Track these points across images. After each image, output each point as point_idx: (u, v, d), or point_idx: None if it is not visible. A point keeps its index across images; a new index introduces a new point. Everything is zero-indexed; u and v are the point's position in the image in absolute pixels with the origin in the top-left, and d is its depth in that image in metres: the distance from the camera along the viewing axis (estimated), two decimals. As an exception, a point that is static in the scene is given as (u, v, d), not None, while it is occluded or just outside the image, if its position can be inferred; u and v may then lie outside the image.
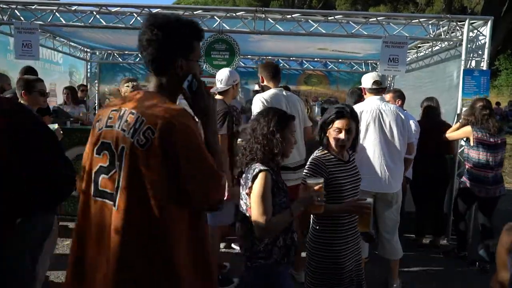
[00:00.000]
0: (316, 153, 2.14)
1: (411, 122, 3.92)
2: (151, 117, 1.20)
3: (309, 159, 2.13)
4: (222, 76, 3.19)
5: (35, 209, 1.85)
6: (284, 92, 3.26)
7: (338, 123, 2.07)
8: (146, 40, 1.27)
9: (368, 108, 3.03)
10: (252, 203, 1.78)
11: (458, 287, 3.40)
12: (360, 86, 3.39)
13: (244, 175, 1.86)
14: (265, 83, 3.30)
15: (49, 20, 5.17)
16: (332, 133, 2.11)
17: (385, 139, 2.98)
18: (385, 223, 3.12)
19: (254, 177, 1.76)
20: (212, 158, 1.26)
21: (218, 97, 3.15)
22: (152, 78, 1.35)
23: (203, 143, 1.28)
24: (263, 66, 3.41)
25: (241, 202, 1.89)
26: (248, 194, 1.80)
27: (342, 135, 2.07)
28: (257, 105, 3.07)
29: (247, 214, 1.82)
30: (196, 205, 1.27)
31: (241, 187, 1.87)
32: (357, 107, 3.05)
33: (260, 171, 1.76)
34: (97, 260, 1.25)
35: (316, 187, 1.82)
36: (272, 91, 3.20)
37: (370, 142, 2.97)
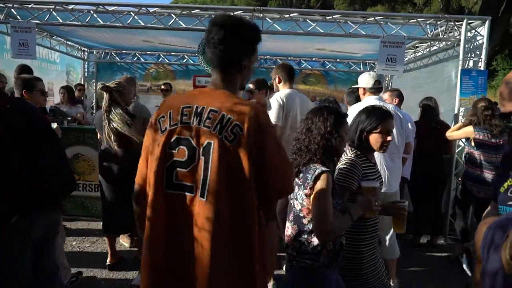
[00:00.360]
0: (349, 154, 2.12)
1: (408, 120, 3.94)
2: (237, 114, 1.31)
3: (342, 159, 2.08)
4: None
5: (35, 208, 1.86)
6: (299, 93, 3.45)
7: (386, 125, 2.07)
8: (218, 39, 1.36)
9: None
10: (314, 205, 1.74)
11: (455, 287, 3.40)
12: (357, 86, 3.37)
13: (302, 175, 1.83)
14: (281, 83, 3.44)
15: (46, 19, 5.14)
16: (377, 136, 2.08)
17: None
18: (383, 223, 3.11)
19: (316, 178, 1.74)
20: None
21: None
22: (216, 74, 1.44)
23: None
24: (281, 67, 3.54)
25: (295, 201, 1.85)
26: (308, 195, 1.77)
27: (390, 137, 2.09)
28: (274, 104, 3.24)
29: (301, 215, 1.80)
30: (274, 194, 1.41)
31: (297, 187, 1.84)
32: (357, 107, 3.04)
33: (322, 172, 1.74)
34: (180, 249, 1.34)
35: (372, 191, 1.86)
36: (287, 91, 3.36)
37: None
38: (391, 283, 3.18)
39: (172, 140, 1.36)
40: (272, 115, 3.19)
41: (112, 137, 3.08)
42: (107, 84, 3.12)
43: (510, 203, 1.25)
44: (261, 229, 1.40)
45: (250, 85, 3.53)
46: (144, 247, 1.41)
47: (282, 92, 3.35)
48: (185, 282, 1.33)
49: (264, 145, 1.32)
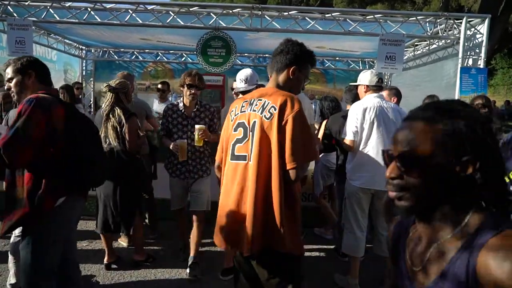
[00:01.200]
0: None
1: None
2: (274, 98, 1.80)
3: None
4: (245, 75, 3.27)
5: (76, 193, 2.15)
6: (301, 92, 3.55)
7: None
8: (280, 49, 1.94)
9: (371, 106, 3.00)
10: None
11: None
12: (355, 84, 3.34)
13: None
14: None
15: (42, 17, 5.11)
16: None
17: (388, 136, 2.97)
18: (382, 220, 3.10)
19: None
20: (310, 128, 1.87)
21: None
22: (274, 75, 1.96)
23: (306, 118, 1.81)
24: None
25: None
26: None
27: None
28: None
29: None
30: (291, 160, 1.74)
31: None
32: (359, 105, 3.03)
33: None
34: (237, 201, 1.83)
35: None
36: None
37: (373, 140, 2.96)
38: None
39: (235, 125, 1.90)
40: None
41: (113, 136, 3.10)
42: (112, 85, 3.15)
43: None
44: (289, 186, 1.79)
45: (234, 84, 3.49)
46: (220, 199, 1.94)
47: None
48: (240, 223, 1.80)
49: (288, 121, 1.73)
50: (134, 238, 3.53)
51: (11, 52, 4.98)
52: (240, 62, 8.36)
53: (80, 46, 8.34)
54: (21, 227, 2.08)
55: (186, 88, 3.22)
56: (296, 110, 1.75)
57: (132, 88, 3.52)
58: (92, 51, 8.63)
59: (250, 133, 1.82)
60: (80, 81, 8.00)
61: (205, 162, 3.36)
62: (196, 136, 3.12)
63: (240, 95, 3.25)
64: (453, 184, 0.84)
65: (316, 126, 4.18)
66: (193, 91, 3.21)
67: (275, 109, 1.76)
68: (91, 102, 8.43)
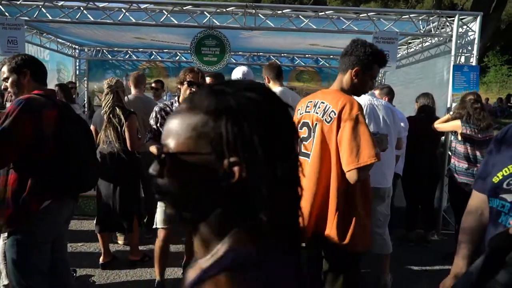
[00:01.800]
0: None
1: (400, 117, 3.96)
2: (334, 103, 1.89)
3: None
4: (242, 73, 3.52)
5: (64, 195, 2.11)
6: (289, 91, 3.73)
7: None
8: (345, 51, 2.04)
9: (362, 103, 3.01)
10: None
11: (448, 281, 3.42)
12: None
13: None
14: (271, 82, 3.62)
15: (35, 16, 5.07)
16: None
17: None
18: (377, 218, 3.12)
19: None
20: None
21: None
22: (339, 76, 2.06)
23: (365, 121, 1.85)
24: (268, 67, 3.71)
25: None
26: None
27: None
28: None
29: None
30: (352, 163, 1.80)
31: None
32: None
33: None
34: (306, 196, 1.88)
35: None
36: (279, 88, 3.57)
37: None
38: (385, 278, 3.20)
39: (300, 123, 2.03)
40: None
41: (114, 136, 3.12)
42: (112, 84, 3.20)
43: (503, 195, 1.22)
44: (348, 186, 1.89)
45: (208, 79, 3.29)
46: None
47: (275, 89, 3.41)
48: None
49: (345, 126, 1.82)
50: (130, 238, 3.53)
51: (3, 52, 4.93)
52: (234, 61, 8.35)
53: (73, 46, 8.28)
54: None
55: (186, 85, 2.85)
56: (354, 114, 1.84)
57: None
58: (86, 50, 8.57)
59: (313, 133, 1.96)
60: (73, 81, 7.95)
61: None
62: None
63: None
64: (220, 192, 0.62)
65: None
66: (194, 89, 2.86)
67: (334, 114, 1.87)
68: (85, 102, 8.38)
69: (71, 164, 2.03)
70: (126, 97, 3.42)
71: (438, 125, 3.93)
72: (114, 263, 3.43)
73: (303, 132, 2.01)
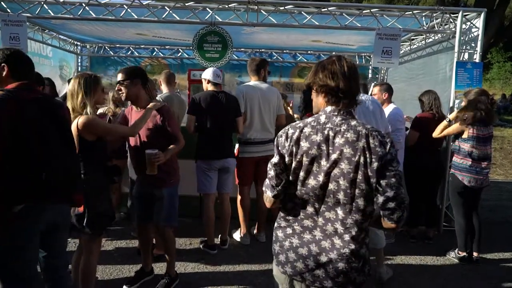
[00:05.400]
0: None
1: (398, 114, 4.03)
2: None
3: None
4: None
5: (42, 198, 1.96)
6: (262, 85, 3.98)
7: None
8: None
9: None
10: None
11: (450, 278, 3.43)
12: None
13: None
14: (250, 77, 4.03)
15: (37, 13, 5.06)
16: None
17: None
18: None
19: None
20: None
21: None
22: None
23: None
24: (248, 63, 4.09)
25: None
26: None
27: None
28: (237, 94, 3.90)
29: None
30: None
31: None
32: None
33: None
34: None
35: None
36: (250, 83, 4.01)
37: None
38: (382, 270, 3.20)
39: None
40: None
41: None
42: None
43: None
44: None
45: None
46: None
47: (245, 84, 4.04)
48: None
49: None
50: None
51: (5, 48, 4.93)
52: (236, 57, 8.33)
53: (75, 42, 8.27)
54: None
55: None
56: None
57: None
58: (88, 47, 8.57)
59: None
60: (75, 77, 7.95)
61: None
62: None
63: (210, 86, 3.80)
64: None
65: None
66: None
67: None
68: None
69: (31, 166, 1.88)
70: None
71: (444, 133, 3.86)
72: (116, 259, 3.45)
73: None
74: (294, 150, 1.50)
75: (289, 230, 1.55)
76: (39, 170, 1.91)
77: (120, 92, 2.82)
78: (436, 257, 3.83)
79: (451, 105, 4.60)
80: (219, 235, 3.92)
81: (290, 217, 1.56)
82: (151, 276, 3.18)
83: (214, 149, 3.68)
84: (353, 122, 1.48)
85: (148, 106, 2.79)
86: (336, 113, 1.50)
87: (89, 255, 2.56)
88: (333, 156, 1.44)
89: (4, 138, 1.81)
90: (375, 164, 1.39)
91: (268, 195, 1.58)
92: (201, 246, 3.83)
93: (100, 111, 4.41)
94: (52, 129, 2.01)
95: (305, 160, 1.48)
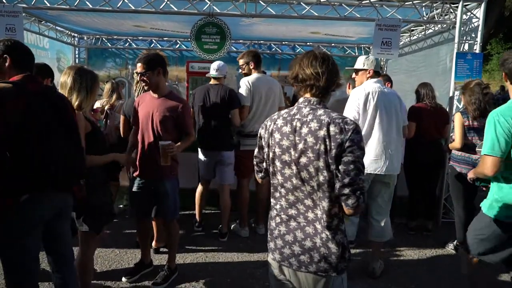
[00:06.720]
0: None
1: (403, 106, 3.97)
2: None
3: None
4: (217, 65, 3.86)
5: (43, 189, 1.96)
6: (267, 78, 3.99)
7: None
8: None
9: (373, 90, 3.01)
10: None
11: (449, 271, 3.44)
12: (358, 68, 3.26)
13: None
14: (253, 68, 3.92)
15: (33, 3, 5.00)
16: None
17: (389, 121, 3.01)
18: (379, 205, 3.13)
19: None
20: None
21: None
22: None
23: None
24: (251, 54, 3.98)
25: None
26: None
27: None
28: (243, 87, 3.83)
29: None
30: None
31: None
32: (362, 89, 3.03)
33: None
34: None
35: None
36: (255, 75, 3.89)
37: (377, 124, 2.99)
38: (375, 265, 3.20)
39: None
40: (242, 97, 3.79)
41: None
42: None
43: None
44: None
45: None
46: None
47: (251, 76, 3.88)
48: None
49: None
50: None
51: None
52: (235, 49, 8.27)
53: (72, 34, 8.21)
54: None
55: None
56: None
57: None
58: (85, 38, 8.50)
59: None
60: (73, 69, 7.88)
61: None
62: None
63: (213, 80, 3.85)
64: None
65: None
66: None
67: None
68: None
69: (34, 155, 1.88)
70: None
71: (456, 143, 3.68)
72: (115, 251, 3.45)
73: None
74: (270, 142, 1.61)
75: (278, 219, 1.65)
76: (45, 162, 1.92)
77: (143, 84, 2.85)
78: (435, 249, 3.84)
79: (450, 95, 4.59)
80: (219, 227, 3.93)
81: (277, 207, 1.65)
82: (150, 268, 3.19)
83: (204, 140, 3.81)
84: (319, 112, 1.52)
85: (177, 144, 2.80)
86: (306, 104, 1.57)
87: (86, 250, 2.55)
88: (299, 146, 1.51)
89: (10, 131, 1.81)
90: (333, 151, 1.44)
91: (257, 176, 1.81)
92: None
93: (97, 104, 4.38)
94: (56, 121, 2.01)
95: (278, 151, 1.57)
